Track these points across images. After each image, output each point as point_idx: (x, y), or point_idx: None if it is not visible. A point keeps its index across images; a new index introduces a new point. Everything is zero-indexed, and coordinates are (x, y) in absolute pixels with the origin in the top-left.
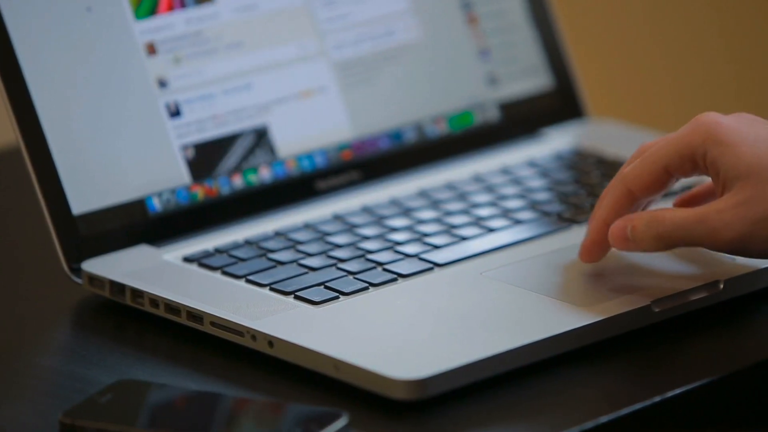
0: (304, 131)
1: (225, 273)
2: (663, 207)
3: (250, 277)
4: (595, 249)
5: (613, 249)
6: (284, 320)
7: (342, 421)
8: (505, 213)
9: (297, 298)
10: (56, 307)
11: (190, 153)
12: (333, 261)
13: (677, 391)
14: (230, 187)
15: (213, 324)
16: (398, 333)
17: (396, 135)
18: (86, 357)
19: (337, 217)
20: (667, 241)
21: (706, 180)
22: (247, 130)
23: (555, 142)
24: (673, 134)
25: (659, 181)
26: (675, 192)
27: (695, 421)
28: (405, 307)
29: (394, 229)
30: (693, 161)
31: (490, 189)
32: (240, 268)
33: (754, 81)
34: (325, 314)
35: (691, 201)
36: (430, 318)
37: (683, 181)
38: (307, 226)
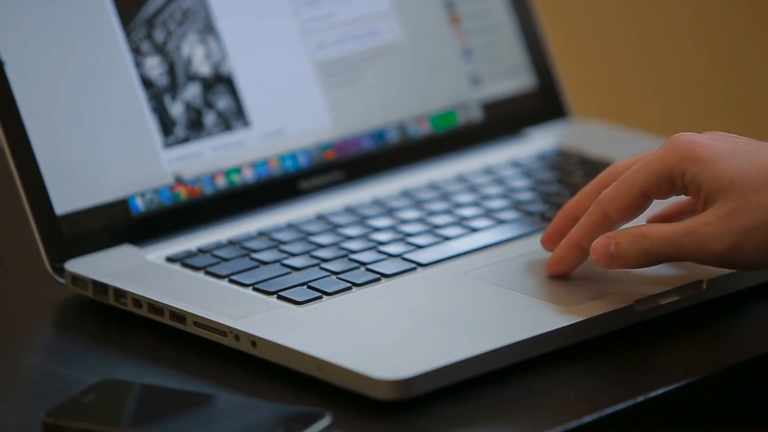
0: (287, 131)
1: (208, 273)
2: (644, 224)
3: (233, 277)
4: (561, 266)
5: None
6: (267, 320)
7: (325, 421)
8: (488, 213)
9: (280, 298)
10: (39, 307)
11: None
12: (316, 261)
13: (660, 391)
14: (213, 187)
15: (196, 324)
16: (381, 333)
17: (379, 135)
18: (69, 357)
19: (320, 217)
20: (652, 256)
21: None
22: (229, 128)
23: (538, 142)
24: (648, 156)
25: (636, 205)
26: None
27: (678, 421)
28: (388, 307)
29: (377, 229)
30: (671, 181)
31: (473, 189)
32: (223, 268)
33: (736, 80)
34: (308, 314)
35: (663, 219)
36: (412, 318)
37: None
38: (290, 226)
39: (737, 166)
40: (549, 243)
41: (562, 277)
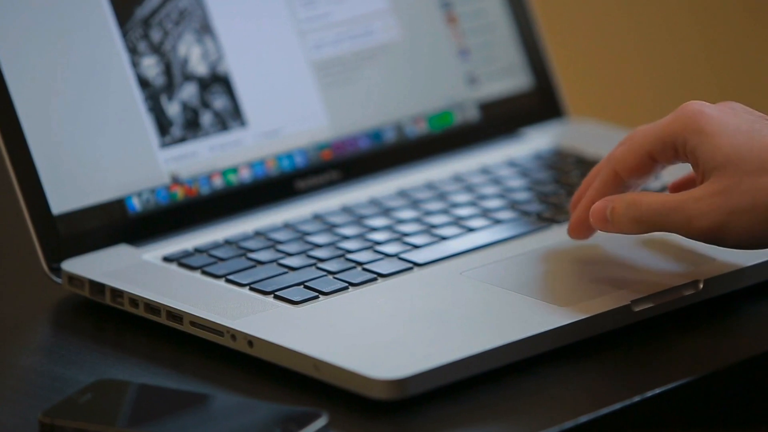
0: (284, 130)
1: (205, 273)
2: (645, 191)
3: (230, 277)
4: (582, 228)
5: (594, 248)
6: (264, 320)
7: (321, 421)
8: (485, 213)
9: (277, 297)
10: (36, 306)
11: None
12: (313, 261)
13: (657, 390)
14: (210, 187)
15: (193, 324)
16: (378, 333)
17: (376, 135)
18: (66, 357)
19: (317, 217)
20: (643, 225)
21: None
22: (226, 128)
23: (534, 141)
24: (660, 120)
25: (644, 166)
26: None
27: (675, 421)
28: (384, 306)
29: (373, 229)
30: (674, 148)
31: (469, 189)
32: (219, 268)
33: (732, 79)
34: (304, 314)
35: (681, 186)
36: (409, 318)
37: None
38: (286, 226)
39: (737, 144)
40: (574, 209)
41: (585, 239)
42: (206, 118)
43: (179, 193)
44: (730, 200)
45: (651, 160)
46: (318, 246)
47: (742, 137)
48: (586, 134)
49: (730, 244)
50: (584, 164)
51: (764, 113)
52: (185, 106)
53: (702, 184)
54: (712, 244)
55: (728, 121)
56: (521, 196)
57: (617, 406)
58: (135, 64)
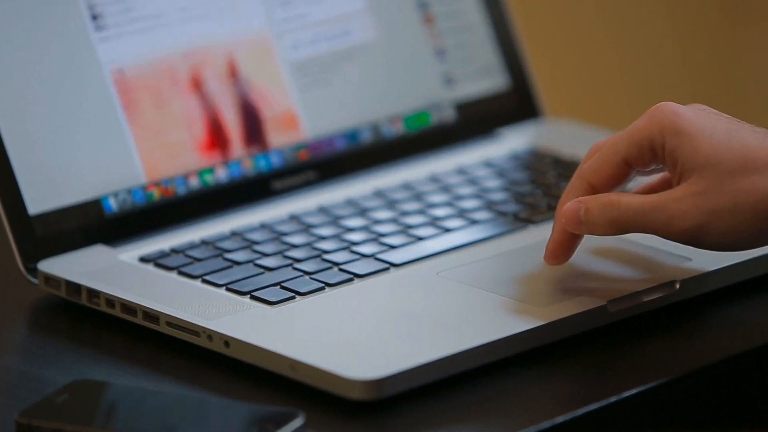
0: (260, 131)
1: (181, 273)
2: (618, 191)
3: (207, 277)
4: (560, 250)
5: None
6: (240, 320)
7: (298, 421)
8: (462, 213)
9: (253, 298)
10: (12, 306)
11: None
12: (289, 261)
13: (633, 391)
14: (186, 187)
15: (169, 324)
16: (354, 333)
17: (352, 135)
18: (42, 357)
19: (294, 217)
20: (620, 226)
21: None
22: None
23: (511, 142)
24: (631, 125)
25: (619, 173)
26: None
27: (651, 422)
28: (361, 307)
29: (350, 230)
30: (652, 151)
31: (446, 189)
32: (196, 268)
33: (709, 80)
34: (281, 314)
35: (651, 190)
36: (386, 318)
37: None
38: (263, 226)
39: (716, 144)
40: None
41: (561, 264)
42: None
43: (156, 193)
44: (710, 201)
45: (627, 167)
46: (294, 246)
47: (721, 137)
48: (562, 134)
49: (708, 245)
50: (560, 164)
51: (741, 113)
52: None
53: (680, 184)
54: (690, 245)
55: (704, 121)
56: (498, 196)
57: (593, 406)
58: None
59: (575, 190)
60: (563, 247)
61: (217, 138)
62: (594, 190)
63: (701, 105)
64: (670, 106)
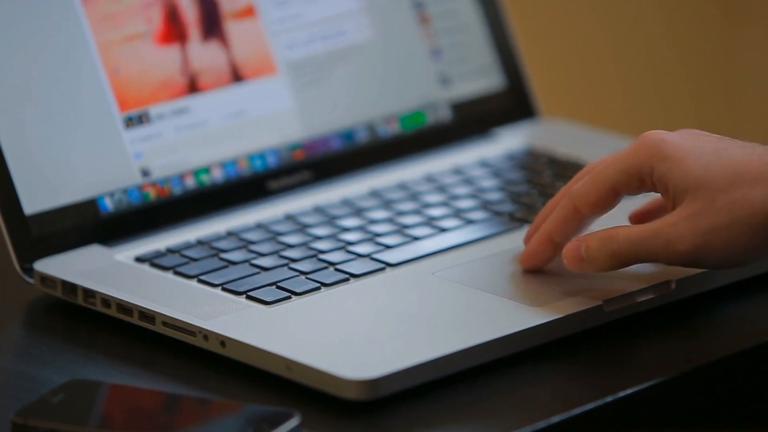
0: (256, 131)
1: (177, 273)
2: (615, 225)
3: (202, 277)
4: (534, 260)
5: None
6: (236, 320)
7: (294, 421)
8: (457, 213)
9: (249, 298)
10: (8, 307)
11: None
12: (285, 261)
13: (629, 391)
14: (182, 187)
15: (165, 324)
16: (350, 333)
17: (348, 135)
18: (38, 357)
19: (289, 217)
20: (621, 258)
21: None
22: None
23: (507, 142)
24: (620, 153)
25: (606, 200)
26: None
27: (647, 422)
28: (357, 307)
29: (346, 229)
30: (640, 179)
31: (442, 189)
32: (192, 268)
33: (704, 80)
34: (277, 314)
35: (643, 216)
36: (381, 318)
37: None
38: (259, 226)
39: (705, 164)
40: (528, 240)
41: (536, 271)
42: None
43: (151, 193)
44: (706, 220)
45: (614, 194)
46: (290, 246)
47: (710, 157)
48: (558, 134)
49: (713, 264)
50: (556, 164)
51: (738, 113)
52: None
53: (674, 209)
54: (693, 267)
55: (692, 144)
56: (493, 196)
57: (589, 406)
58: (107, 64)
59: (561, 213)
60: (538, 258)
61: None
62: (580, 213)
63: (688, 129)
64: (658, 134)
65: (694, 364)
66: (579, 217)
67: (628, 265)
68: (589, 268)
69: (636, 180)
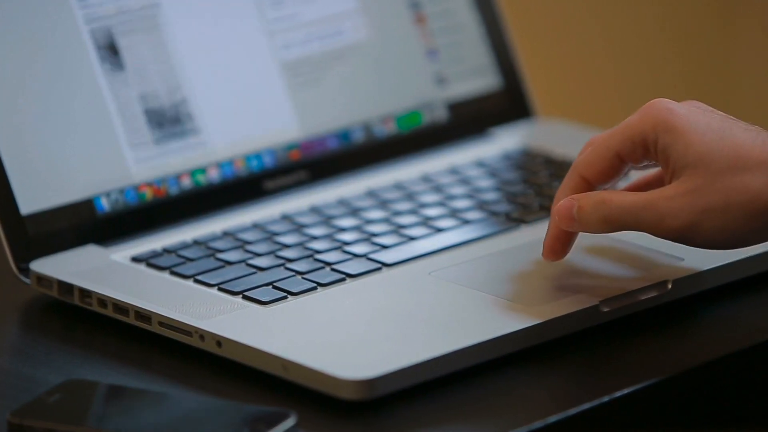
0: (253, 131)
1: (173, 273)
2: (612, 189)
3: (199, 277)
4: (558, 245)
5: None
6: (232, 320)
7: (290, 421)
8: (454, 213)
9: (245, 298)
10: (4, 306)
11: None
12: (281, 261)
13: (625, 391)
14: (178, 187)
15: (161, 324)
16: (346, 333)
17: (344, 135)
18: (34, 357)
19: (286, 217)
20: (612, 223)
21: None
22: (195, 129)
23: (503, 141)
24: (625, 121)
25: (612, 168)
26: None
27: (643, 421)
28: (353, 307)
29: (342, 229)
30: (644, 147)
31: (438, 189)
32: (188, 268)
33: (700, 79)
34: (273, 314)
35: (641, 187)
36: (378, 318)
37: None
38: (255, 226)
39: (708, 142)
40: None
41: (559, 260)
42: (173, 118)
43: (148, 193)
44: (702, 199)
45: (619, 161)
46: (287, 246)
47: (714, 135)
48: (554, 134)
49: (699, 243)
50: (552, 164)
51: (733, 111)
52: (153, 107)
53: (672, 182)
54: (682, 243)
55: (698, 119)
56: (490, 196)
57: (585, 406)
58: (104, 64)
59: (569, 183)
60: (560, 242)
61: None
62: (587, 183)
63: (696, 102)
64: (664, 103)
65: (690, 364)
66: (587, 188)
67: (618, 231)
68: (578, 228)
69: (641, 148)
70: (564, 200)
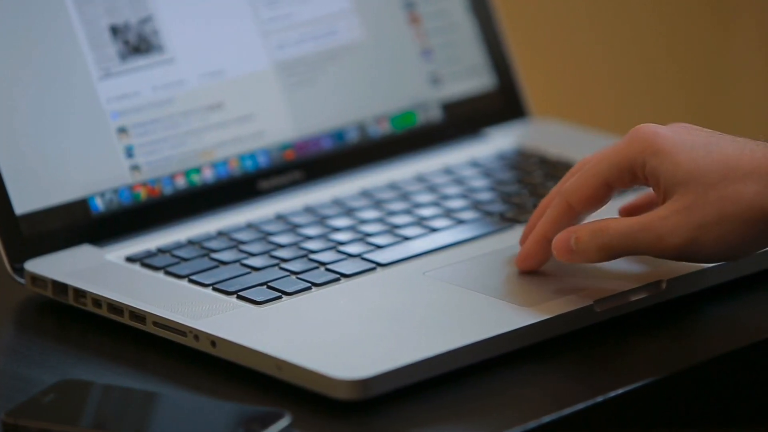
0: (247, 131)
1: (168, 273)
2: (606, 217)
3: (193, 277)
4: (530, 261)
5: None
6: (227, 320)
7: (284, 421)
8: (448, 213)
9: (240, 298)
10: None
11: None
12: (276, 261)
13: (620, 391)
14: (173, 187)
15: (156, 324)
16: (341, 333)
17: (338, 135)
18: (29, 357)
19: (280, 217)
20: (611, 250)
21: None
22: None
23: (497, 141)
24: (611, 147)
25: (599, 195)
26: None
27: (638, 422)
28: (347, 307)
29: (336, 229)
30: (632, 173)
31: (432, 189)
32: (183, 268)
33: (695, 80)
34: (267, 314)
35: (634, 210)
36: (372, 318)
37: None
38: (249, 226)
39: (696, 158)
40: (524, 241)
41: (532, 272)
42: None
43: (142, 193)
44: (697, 214)
45: (607, 188)
46: (281, 246)
47: (701, 151)
48: (548, 134)
49: (701, 258)
50: (547, 164)
51: (729, 112)
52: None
53: (665, 203)
54: (684, 261)
55: (683, 138)
56: (484, 196)
57: (580, 406)
58: (99, 64)
59: (556, 210)
60: (535, 258)
61: None
62: (573, 209)
63: (682, 123)
64: (651, 128)
65: (685, 363)
66: (573, 214)
67: (617, 258)
68: (578, 260)
69: (628, 174)
70: (560, 234)
